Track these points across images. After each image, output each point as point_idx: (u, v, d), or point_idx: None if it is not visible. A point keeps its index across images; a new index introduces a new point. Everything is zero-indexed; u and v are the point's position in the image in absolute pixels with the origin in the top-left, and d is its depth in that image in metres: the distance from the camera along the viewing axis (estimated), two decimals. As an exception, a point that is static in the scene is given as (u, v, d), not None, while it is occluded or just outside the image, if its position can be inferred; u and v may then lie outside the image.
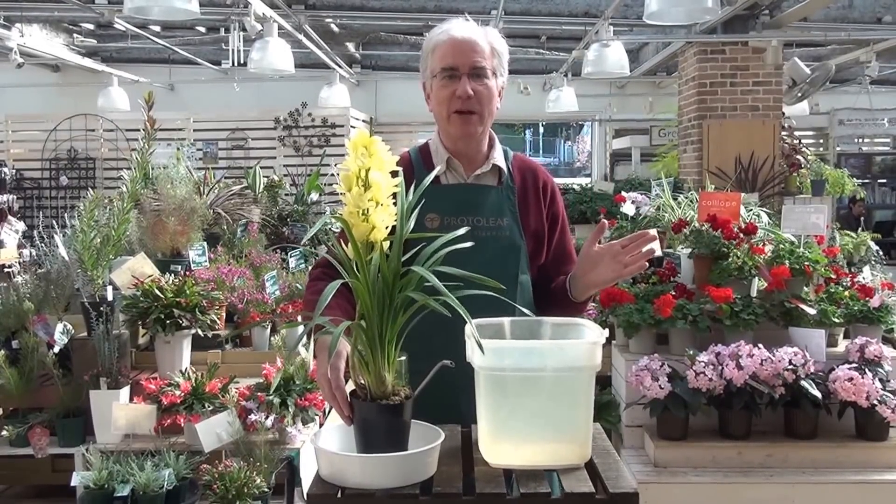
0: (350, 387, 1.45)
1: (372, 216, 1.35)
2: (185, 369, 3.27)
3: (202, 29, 8.97)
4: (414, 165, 1.95)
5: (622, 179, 9.25)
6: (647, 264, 1.82)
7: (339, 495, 1.33)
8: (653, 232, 1.82)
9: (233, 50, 6.61)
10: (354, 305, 1.44)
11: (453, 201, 1.91)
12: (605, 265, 1.79)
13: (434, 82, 1.90)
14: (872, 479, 2.99)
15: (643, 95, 10.76)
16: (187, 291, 3.32)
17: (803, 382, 3.00)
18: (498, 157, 1.97)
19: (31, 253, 4.79)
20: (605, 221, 1.85)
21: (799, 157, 7.18)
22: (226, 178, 6.87)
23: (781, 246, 3.49)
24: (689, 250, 3.54)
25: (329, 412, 3.27)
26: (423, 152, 2.00)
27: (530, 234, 1.96)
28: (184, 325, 3.26)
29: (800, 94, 7.60)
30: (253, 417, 2.98)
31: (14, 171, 8.45)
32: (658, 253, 4.34)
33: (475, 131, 1.91)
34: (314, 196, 7.54)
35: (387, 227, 1.38)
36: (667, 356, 3.20)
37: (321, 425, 3.09)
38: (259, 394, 3.08)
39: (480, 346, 1.31)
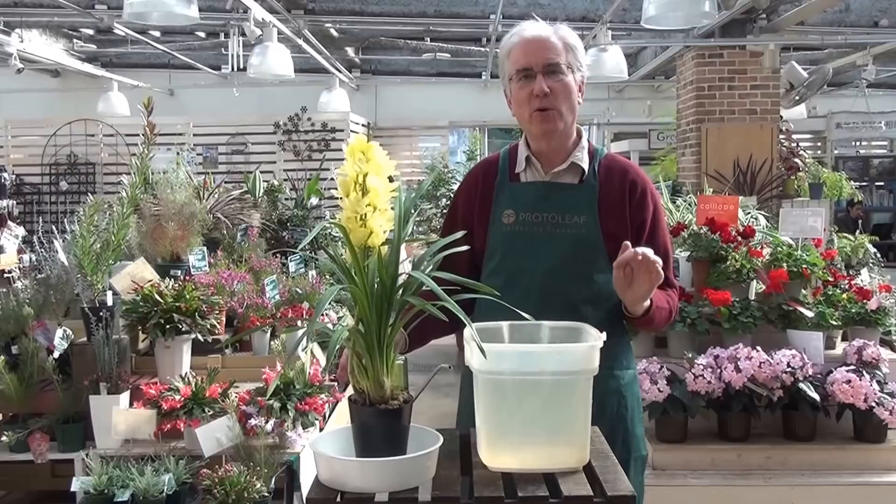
0: (349, 391, 1.45)
1: (370, 221, 1.36)
2: (185, 374, 3.27)
3: (202, 34, 8.99)
4: (500, 164, 2.01)
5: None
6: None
7: (338, 499, 1.33)
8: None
9: (232, 55, 6.62)
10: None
11: (529, 198, 1.94)
12: (638, 278, 1.70)
13: (512, 86, 1.94)
14: (871, 481, 2.99)
15: (642, 99, 10.77)
16: (187, 296, 3.32)
17: (801, 385, 3.01)
18: (580, 155, 1.96)
19: (30, 258, 4.79)
20: (627, 243, 1.72)
21: (797, 160, 7.20)
22: (225, 182, 6.86)
23: (779, 249, 3.50)
24: (688, 253, 3.55)
25: (329, 416, 3.28)
26: (511, 152, 2.05)
27: (609, 236, 1.88)
28: (183, 329, 3.25)
29: (797, 98, 7.61)
30: (253, 422, 2.98)
31: (14, 176, 8.47)
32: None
33: (556, 128, 1.92)
34: (314, 200, 7.53)
35: (385, 232, 1.38)
36: (665, 359, 3.21)
37: (321, 429, 3.10)
38: (259, 398, 3.08)
39: (482, 350, 1.32)
